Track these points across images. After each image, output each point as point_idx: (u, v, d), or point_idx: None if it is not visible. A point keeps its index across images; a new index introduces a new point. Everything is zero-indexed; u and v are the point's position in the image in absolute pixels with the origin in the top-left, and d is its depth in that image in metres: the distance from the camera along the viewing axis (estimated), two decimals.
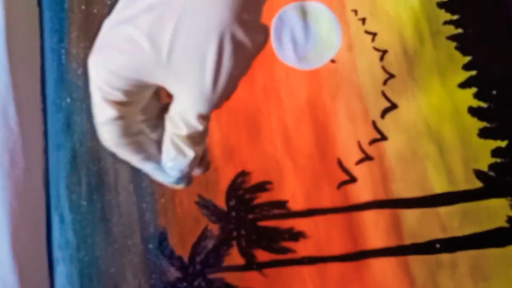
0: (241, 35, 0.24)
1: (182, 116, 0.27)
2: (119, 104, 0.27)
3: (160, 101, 0.30)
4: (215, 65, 0.24)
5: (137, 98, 0.28)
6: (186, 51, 0.24)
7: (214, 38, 0.23)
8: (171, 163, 0.29)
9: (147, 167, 0.30)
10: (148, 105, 0.29)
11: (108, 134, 0.28)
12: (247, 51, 0.25)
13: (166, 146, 0.29)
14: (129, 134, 0.28)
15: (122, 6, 0.26)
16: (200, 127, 0.27)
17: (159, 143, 0.30)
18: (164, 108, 0.29)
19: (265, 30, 0.26)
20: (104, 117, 0.27)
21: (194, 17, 0.23)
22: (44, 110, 0.53)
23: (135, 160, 0.30)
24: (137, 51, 0.24)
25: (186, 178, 0.30)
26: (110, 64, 0.26)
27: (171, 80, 0.26)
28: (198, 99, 0.26)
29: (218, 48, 0.24)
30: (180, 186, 0.30)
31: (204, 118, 0.27)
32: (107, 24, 0.26)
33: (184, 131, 0.27)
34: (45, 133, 0.52)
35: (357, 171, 0.49)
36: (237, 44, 0.24)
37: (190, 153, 0.28)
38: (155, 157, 0.30)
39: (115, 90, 0.26)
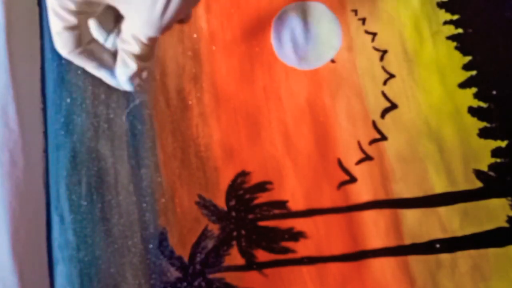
0: None
1: (133, 35, 0.30)
2: (73, 13, 0.29)
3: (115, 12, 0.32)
4: (165, 3, 0.28)
5: (90, 9, 0.30)
6: None
7: None
8: (119, 71, 0.33)
9: (101, 74, 0.33)
10: (103, 14, 0.31)
11: (62, 43, 0.31)
12: None
13: (118, 57, 0.32)
14: (82, 43, 0.31)
15: None
16: (148, 45, 0.30)
17: (112, 52, 0.33)
18: (119, 18, 0.32)
19: None
20: (58, 26, 0.30)
21: None
22: (44, 110, 0.53)
23: (89, 66, 0.33)
24: None
25: (132, 83, 0.33)
26: None
27: (123, 3, 0.29)
28: (146, 24, 0.29)
29: None
30: (128, 88, 0.34)
31: (153, 40, 0.30)
32: None
33: (133, 48, 0.31)
34: (45, 133, 0.52)
35: (357, 171, 0.49)
36: None
37: (133, 66, 0.32)
38: (107, 64, 0.33)
39: (70, 1, 0.29)
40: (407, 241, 0.47)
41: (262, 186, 0.50)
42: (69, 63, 0.53)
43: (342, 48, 0.52)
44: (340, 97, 0.51)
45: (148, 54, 0.32)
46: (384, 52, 0.52)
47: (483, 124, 0.49)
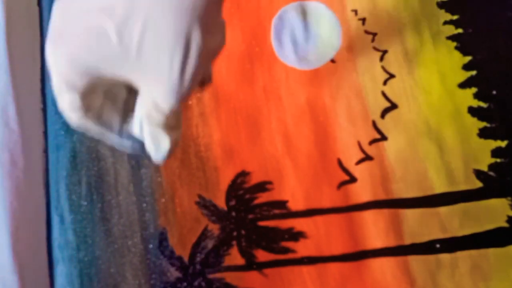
0: (202, 36, 0.26)
1: (155, 105, 0.29)
2: (79, 88, 0.28)
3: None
4: (182, 64, 0.27)
5: (98, 83, 0.29)
6: (155, 51, 0.26)
7: (181, 40, 0.26)
8: (152, 151, 0.31)
9: (110, 138, 0.32)
10: (113, 88, 0.30)
11: (70, 114, 0.30)
12: (208, 50, 0.28)
13: (145, 137, 0.30)
14: (90, 109, 0.30)
15: None
16: (171, 115, 0.29)
17: (122, 112, 0.31)
18: (132, 90, 0.30)
19: (223, 30, 0.29)
20: (65, 102, 0.29)
21: (160, 20, 0.25)
22: (44, 110, 0.53)
23: (97, 132, 0.31)
24: (105, 45, 0.26)
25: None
26: (73, 55, 0.27)
27: (138, 75, 0.28)
28: (166, 92, 0.28)
29: (184, 49, 0.26)
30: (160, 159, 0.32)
31: (175, 107, 0.29)
32: (61, 8, 0.27)
33: (159, 119, 0.29)
34: (45, 133, 0.52)
35: (357, 171, 0.49)
36: (199, 45, 0.27)
37: (166, 143, 0.30)
38: (115, 127, 0.31)
39: (75, 78, 0.28)
40: (407, 241, 0.47)
41: (262, 186, 0.50)
42: None
43: (342, 48, 0.52)
44: (340, 97, 0.51)
45: (174, 122, 0.30)
46: (384, 52, 0.52)
47: (483, 124, 0.49)
